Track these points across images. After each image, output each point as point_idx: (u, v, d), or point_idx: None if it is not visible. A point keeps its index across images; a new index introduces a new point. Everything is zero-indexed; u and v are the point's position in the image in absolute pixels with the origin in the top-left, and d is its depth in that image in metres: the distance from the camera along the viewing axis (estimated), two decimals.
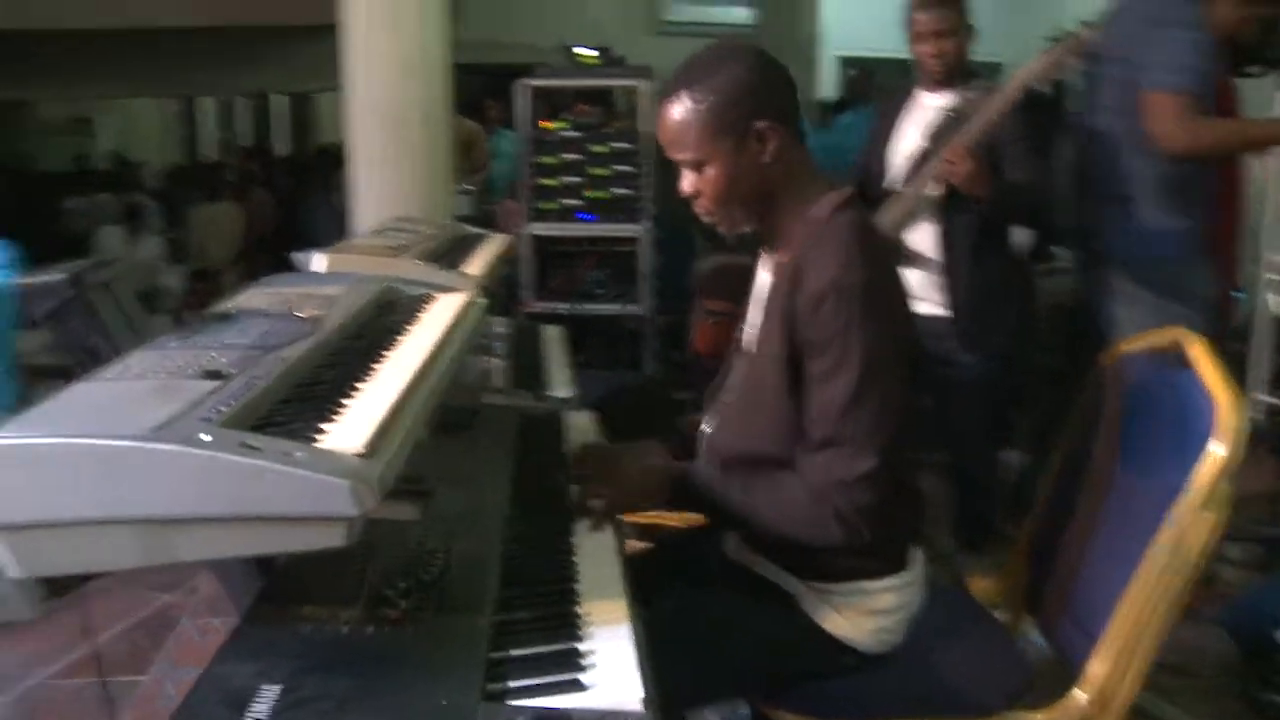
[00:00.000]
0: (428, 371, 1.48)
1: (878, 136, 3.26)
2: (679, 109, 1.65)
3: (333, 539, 1.07)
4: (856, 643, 1.71)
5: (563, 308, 4.98)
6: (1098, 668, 1.66)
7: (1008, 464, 3.66)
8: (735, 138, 1.64)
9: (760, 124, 1.64)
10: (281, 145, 14.72)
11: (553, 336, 3.54)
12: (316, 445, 1.13)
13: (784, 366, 1.63)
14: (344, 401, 1.30)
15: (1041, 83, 2.92)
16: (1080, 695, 1.67)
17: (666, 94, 1.68)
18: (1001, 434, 4.19)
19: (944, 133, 2.96)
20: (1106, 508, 1.81)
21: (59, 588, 3.34)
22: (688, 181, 1.69)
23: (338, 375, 1.42)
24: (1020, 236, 5.12)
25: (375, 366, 1.48)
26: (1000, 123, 2.88)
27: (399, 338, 1.66)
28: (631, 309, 5.04)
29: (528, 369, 3.09)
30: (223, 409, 1.16)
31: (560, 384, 2.96)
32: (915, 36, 3.06)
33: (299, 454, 1.08)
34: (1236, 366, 4.96)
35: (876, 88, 6.65)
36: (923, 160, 3.01)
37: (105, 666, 2.98)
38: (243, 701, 1.07)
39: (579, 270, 5.09)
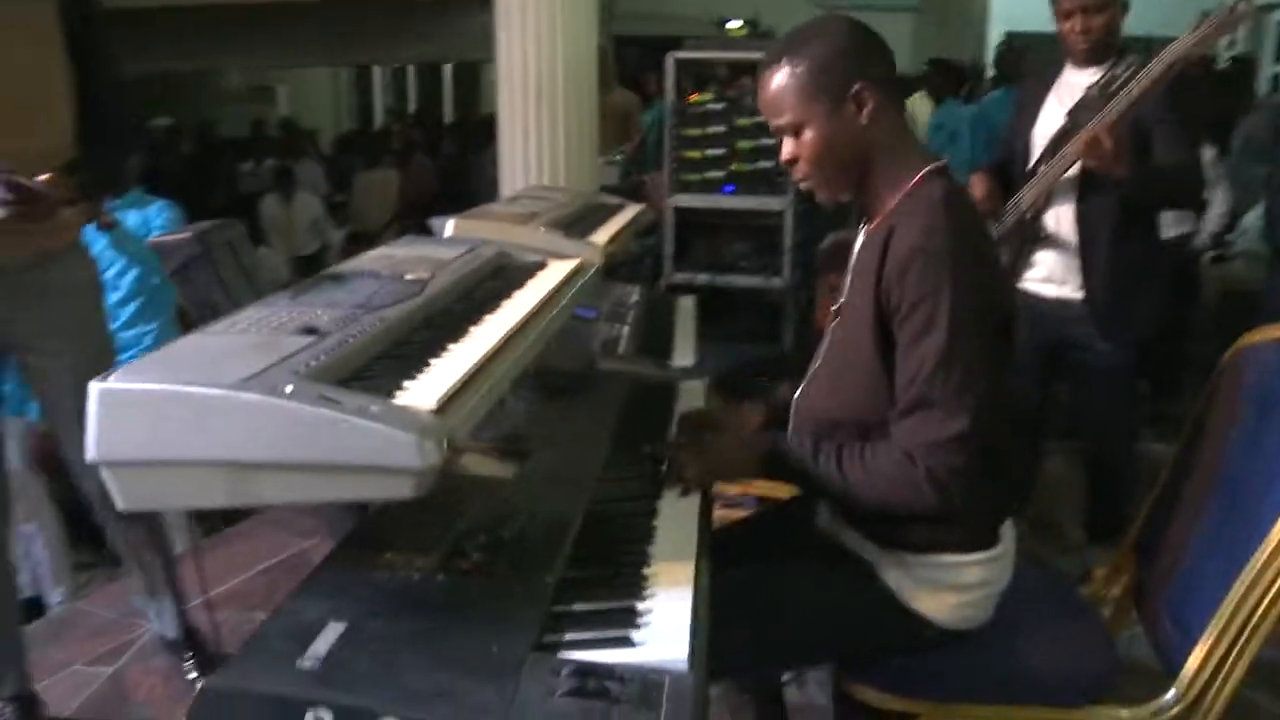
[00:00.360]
0: (518, 335, 1.53)
1: (1022, 113, 3.17)
2: (778, 75, 1.67)
3: (401, 490, 1.12)
4: (936, 618, 1.69)
5: (703, 279, 5.00)
6: (1192, 668, 1.60)
7: (1151, 455, 3.54)
8: (832, 100, 1.65)
9: (857, 86, 1.65)
10: (450, 113, 15.10)
11: (685, 307, 3.56)
12: (392, 401, 1.19)
13: (873, 331, 1.63)
14: (431, 361, 1.36)
15: (1193, 59, 2.79)
16: (1169, 696, 1.62)
17: (764, 65, 1.70)
18: (1143, 424, 4.06)
19: (1087, 111, 2.86)
20: (1218, 503, 1.75)
21: (208, 528, 3.55)
22: (786, 148, 1.71)
23: (432, 336, 1.48)
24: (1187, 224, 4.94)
25: (471, 329, 1.54)
26: (1145, 101, 2.77)
27: (502, 302, 1.72)
28: (773, 282, 5.02)
29: (655, 337, 3.13)
30: (311, 363, 1.23)
31: (684, 354, 2.99)
32: (1061, 13, 2.95)
33: (374, 408, 1.13)
34: None
35: (1028, 64, 6.46)
36: (1063, 139, 2.92)
37: (247, 602, 3.17)
38: (308, 636, 1.14)
39: (722, 242, 5.10)
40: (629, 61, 9.89)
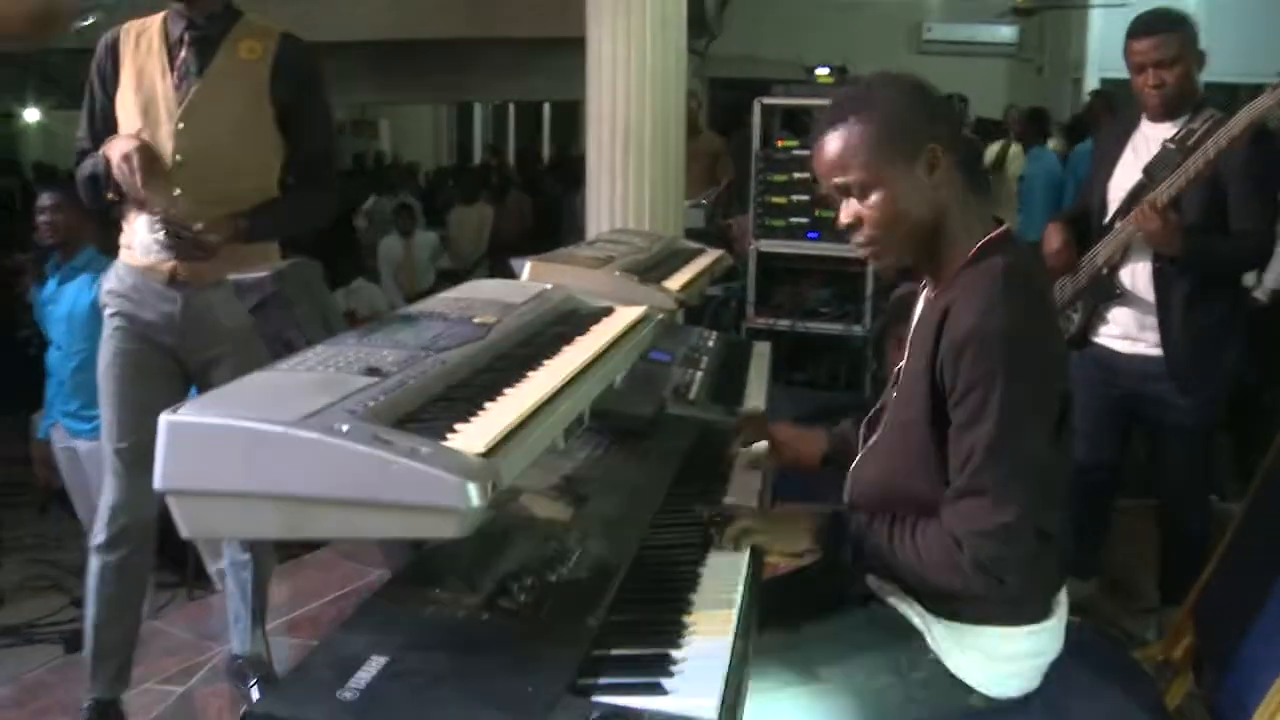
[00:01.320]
0: (574, 381, 1.57)
1: (1100, 166, 3.15)
2: (845, 131, 1.62)
3: (446, 530, 1.16)
4: (983, 685, 1.68)
5: (784, 324, 5.02)
6: None
7: (1230, 515, 3.45)
8: (905, 160, 1.61)
9: (933, 146, 1.62)
10: (548, 151, 15.34)
11: (760, 352, 3.57)
12: (443, 443, 1.23)
13: (928, 407, 1.61)
14: (486, 404, 1.40)
15: (1271, 119, 2.74)
16: None
17: (827, 121, 1.66)
18: (1228, 481, 3.96)
19: (1163, 167, 2.83)
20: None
21: (283, 555, 3.63)
22: (848, 210, 1.66)
23: (490, 380, 1.52)
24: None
25: (529, 374, 1.57)
26: (1219, 162, 2.73)
27: (563, 348, 1.76)
28: (854, 330, 5.03)
29: (727, 383, 3.15)
30: (370, 403, 1.28)
31: (755, 399, 3.00)
32: (1134, 67, 2.90)
33: (424, 449, 1.17)
34: None
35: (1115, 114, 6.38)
36: (1140, 194, 2.88)
37: (311, 630, 3.24)
38: (350, 667, 1.18)
39: (804, 289, 5.12)
40: (721, 103, 9.97)
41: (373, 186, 11.03)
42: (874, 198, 1.62)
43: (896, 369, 1.83)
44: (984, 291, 1.57)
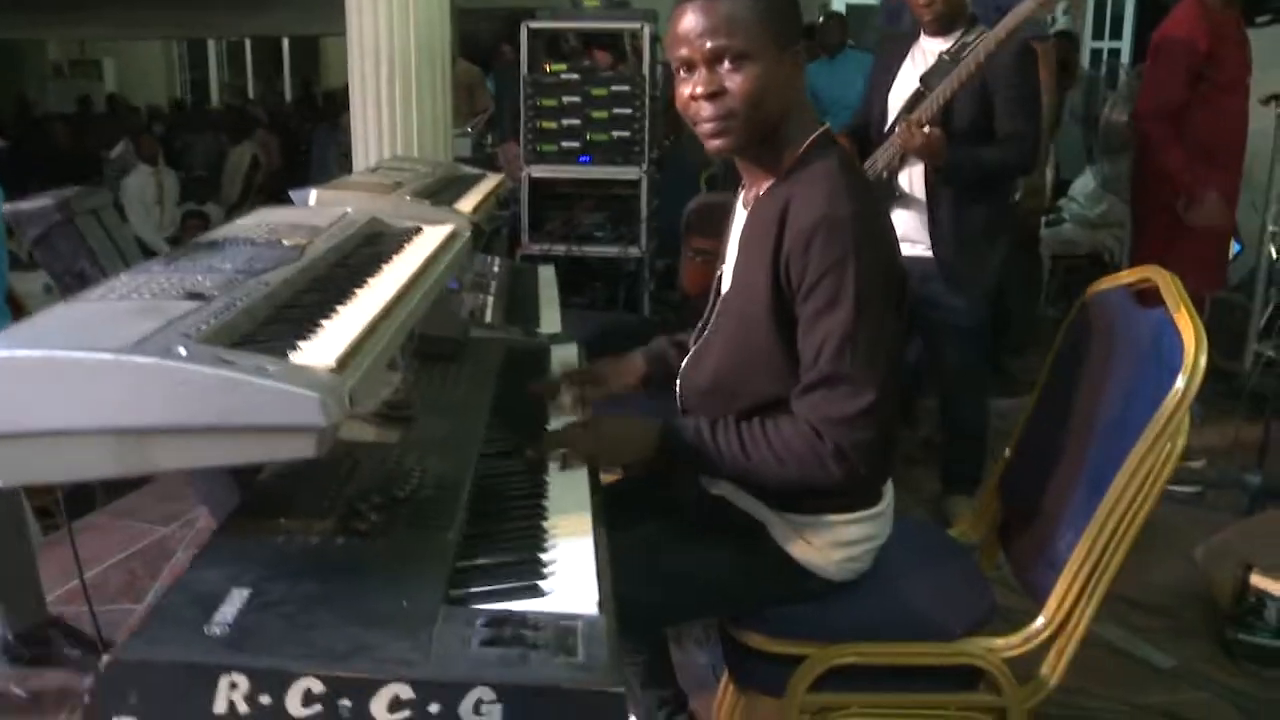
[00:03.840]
0: (404, 297, 1.53)
1: (879, 79, 3.28)
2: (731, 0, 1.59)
3: (303, 450, 1.11)
4: (822, 570, 1.74)
5: (561, 249, 5.02)
6: (1058, 595, 1.69)
7: (999, 410, 3.69)
8: (780, 47, 1.61)
9: (798, 45, 1.65)
10: (289, 89, 14.72)
11: (546, 276, 3.58)
12: (289, 361, 1.17)
13: (770, 307, 1.62)
14: (321, 322, 1.34)
15: (1026, 28, 2.92)
16: (1038, 622, 1.71)
17: None
18: (995, 380, 4.23)
19: (938, 76, 2.97)
20: (1074, 443, 1.84)
21: (52, 525, 3.39)
22: (710, 79, 1.60)
23: (317, 299, 1.46)
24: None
25: (356, 291, 1.52)
26: (981, 71, 2.89)
27: (382, 266, 1.70)
28: (630, 251, 5.07)
29: (519, 307, 3.14)
30: (202, 327, 1.20)
31: (550, 322, 3.01)
32: None
33: (272, 368, 1.12)
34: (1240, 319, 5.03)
35: (847, 34, 6.64)
36: (916, 103, 3.03)
37: (104, 594, 3.06)
38: (212, 603, 1.12)
39: (578, 212, 5.12)
40: (487, 33, 9.80)
41: (114, 132, 10.26)
42: (747, 70, 1.59)
43: (718, 277, 1.84)
44: (825, 182, 1.60)
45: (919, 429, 4.25)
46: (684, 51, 1.63)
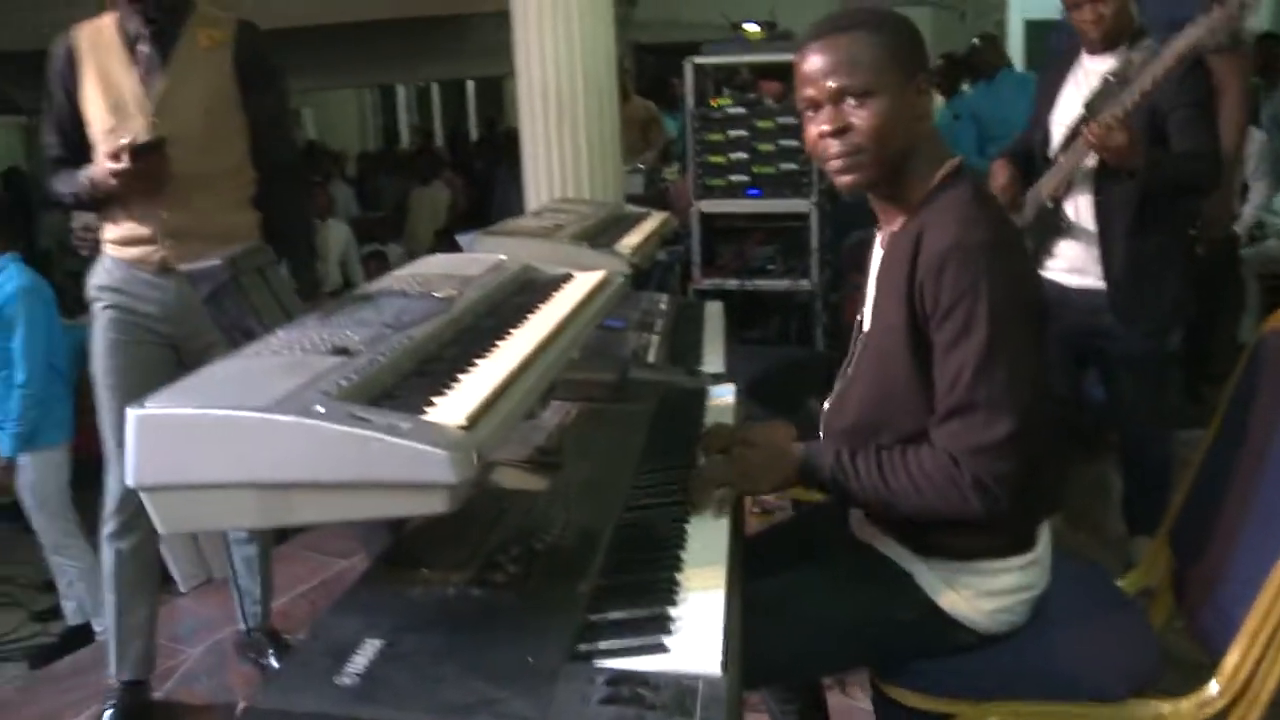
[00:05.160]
0: (544, 348, 1.55)
1: (1041, 102, 3.17)
2: (855, 36, 1.59)
3: (436, 505, 1.14)
4: (973, 621, 1.68)
5: (732, 284, 5.01)
6: (1235, 659, 1.59)
7: (1192, 442, 3.49)
8: (905, 79, 1.60)
9: (924, 74, 1.63)
10: (475, 129, 15.20)
11: (713, 313, 3.57)
12: (422, 418, 1.20)
13: (907, 338, 1.60)
14: (459, 377, 1.37)
15: (1207, 45, 2.76)
16: (1213, 688, 1.60)
17: (829, 28, 1.62)
18: (1193, 411, 4.02)
19: (1102, 99, 2.85)
20: (1254, 486, 1.73)
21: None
22: (835, 116, 1.61)
23: (459, 352, 1.49)
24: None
25: (497, 343, 1.55)
26: (1157, 90, 2.75)
27: (528, 316, 1.73)
28: (801, 284, 5.02)
29: (684, 345, 3.14)
30: (343, 383, 1.25)
31: (713, 360, 3.00)
32: (1069, 3, 2.95)
33: (404, 425, 1.15)
34: None
35: (1004, 55, 6.43)
36: (1080, 128, 2.91)
37: (286, 623, 3.20)
38: (345, 652, 1.16)
39: (749, 246, 5.11)
40: (648, 69, 9.92)
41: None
42: (872, 105, 1.59)
43: (859, 317, 1.82)
44: (958, 210, 1.59)
45: (1101, 464, 4.07)
46: (810, 91, 1.63)
